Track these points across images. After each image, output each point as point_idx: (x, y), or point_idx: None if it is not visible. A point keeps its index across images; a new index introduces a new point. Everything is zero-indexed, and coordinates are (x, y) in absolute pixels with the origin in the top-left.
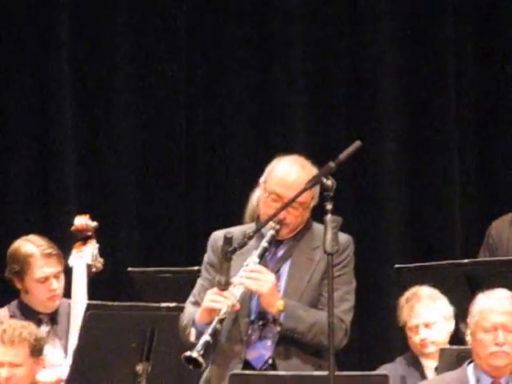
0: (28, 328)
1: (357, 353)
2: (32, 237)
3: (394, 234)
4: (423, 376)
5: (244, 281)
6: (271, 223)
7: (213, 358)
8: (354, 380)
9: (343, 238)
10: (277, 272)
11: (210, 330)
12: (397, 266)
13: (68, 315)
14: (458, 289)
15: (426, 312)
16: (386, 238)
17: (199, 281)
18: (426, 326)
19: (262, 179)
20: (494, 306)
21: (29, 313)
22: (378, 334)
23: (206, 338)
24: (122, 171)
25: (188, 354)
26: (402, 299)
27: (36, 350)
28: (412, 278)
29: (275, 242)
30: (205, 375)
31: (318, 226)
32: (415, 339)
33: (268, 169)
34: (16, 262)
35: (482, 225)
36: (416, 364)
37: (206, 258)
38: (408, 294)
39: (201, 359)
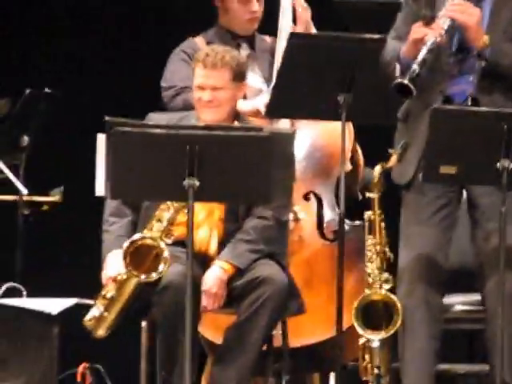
0: (230, 52)
1: None
2: None
3: None
4: None
5: (451, 13)
6: None
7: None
8: None
9: None
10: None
11: (419, 60)
12: None
13: (267, 48)
14: None
15: None
16: None
17: (400, 15)
18: None
19: None
20: None
21: (227, 37)
22: None
23: (415, 66)
24: None
25: (399, 80)
26: None
27: (237, 75)
28: None
29: None
30: (404, 107)
31: None
32: None
33: None
34: None
35: None
36: None
37: None
38: None
39: (412, 86)
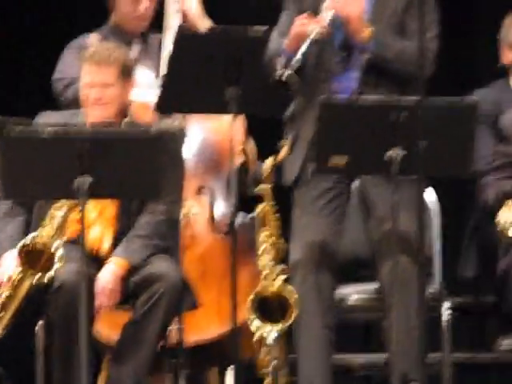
0: (118, 49)
1: (446, 82)
2: None
3: None
4: None
5: (334, 4)
6: None
7: (298, 91)
8: (443, 105)
9: None
10: None
11: (301, 51)
12: None
13: (159, 46)
14: None
15: None
16: None
17: (283, 13)
18: None
19: None
20: None
21: (119, 33)
22: (470, 59)
23: (297, 58)
24: None
25: (280, 72)
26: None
27: (126, 71)
28: (506, 3)
29: None
30: (290, 108)
31: None
32: None
33: None
34: None
35: None
36: (509, 90)
37: None
38: None
39: (293, 77)
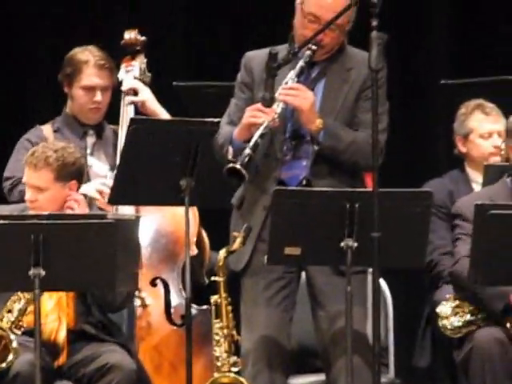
0: (59, 152)
1: (401, 171)
2: (92, 47)
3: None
4: (471, 191)
5: (285, 97)
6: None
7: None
8: (397, 196)
9: None
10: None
11: (251, 144)
12: (443, 81)
13: (114, 137)
14: (506, 106)
15: (499, 122)
16: (431, 53)
17: (233, 101)
18: (499, 134)
19: (298, 0)
20: None
21: (73, 124)
22: (425, 148)
23: (247, 151)
24: None
25: (231, 165)
26: (468, 107)
27: (62, 175)
28: (459, 95)
29: (309, 64)
30: (238, 194)
31: (352, 49)
32: (486, 146)
33: None
34: (69, 66)
35: None
36: (464, 179)
37: (239, 77)
38: (472, 103)
39: (244, 171)
